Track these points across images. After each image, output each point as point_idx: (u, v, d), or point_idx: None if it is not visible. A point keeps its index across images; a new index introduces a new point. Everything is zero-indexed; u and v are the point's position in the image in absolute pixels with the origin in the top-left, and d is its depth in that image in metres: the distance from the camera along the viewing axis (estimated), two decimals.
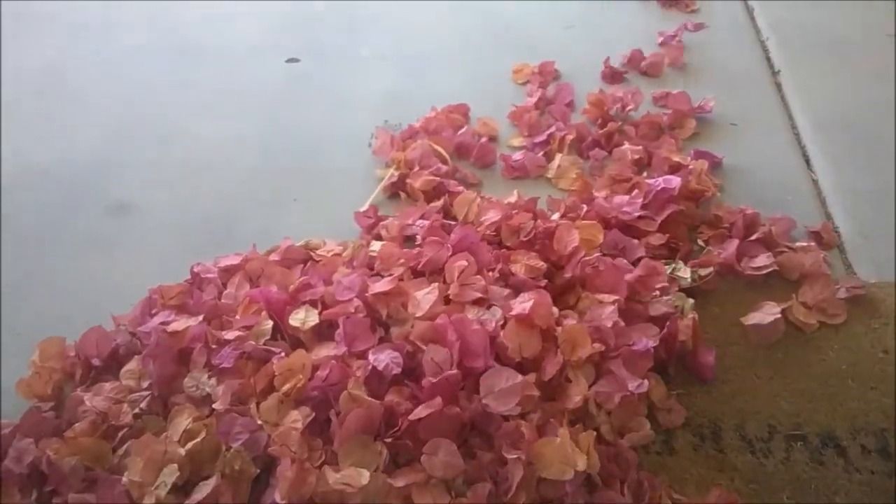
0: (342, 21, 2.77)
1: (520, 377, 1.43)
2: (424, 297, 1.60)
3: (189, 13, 2.83)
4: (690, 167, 2.00)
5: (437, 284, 1.63)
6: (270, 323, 1.60)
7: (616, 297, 1.61)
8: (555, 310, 1.58)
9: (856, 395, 1.56)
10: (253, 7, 2.84)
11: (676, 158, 2.05)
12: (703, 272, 1.76)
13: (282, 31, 2.72)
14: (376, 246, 1.80)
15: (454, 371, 1.43)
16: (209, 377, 1.52)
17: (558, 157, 2.11)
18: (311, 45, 2.65)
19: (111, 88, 2.48)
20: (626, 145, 2.12)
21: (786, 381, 1.59)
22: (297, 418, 1.41)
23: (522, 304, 1.54)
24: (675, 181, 1.89)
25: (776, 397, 1.56)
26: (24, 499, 1.38)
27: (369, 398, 1.41)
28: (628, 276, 1.66)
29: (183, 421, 1.44)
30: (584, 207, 1.89)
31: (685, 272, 1.75)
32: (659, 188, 1.88)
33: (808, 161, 2.15)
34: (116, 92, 2.47)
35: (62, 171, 2.16)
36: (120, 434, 1.46)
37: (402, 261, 1.72)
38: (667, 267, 1.75)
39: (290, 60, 2.58)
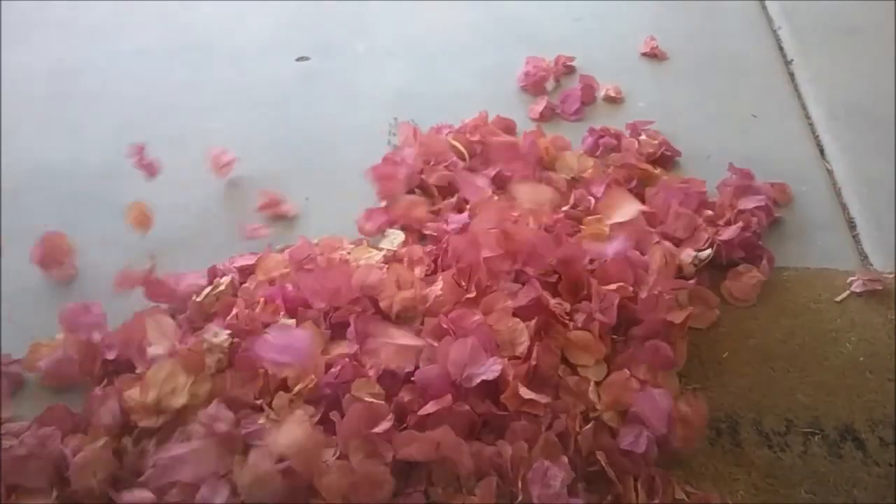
0: (352, 19, 2.76)
1: None
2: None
3: (199, 13, 2.83)
4: None
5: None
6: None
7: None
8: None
9: (873, 387, 1.55)
10: (262, 6, 2.83)
11: None
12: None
13: (292, 30, 2.72)
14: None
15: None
16: None
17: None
18: (321, 43, 2.64)
19: (123, 89, 2.49)
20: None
21: (802, 374, 1.58)
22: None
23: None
24: None
25: (793, 391, 1.55)
26: (44, 499, 1.39)
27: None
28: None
29: None
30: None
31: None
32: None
33: (822, 151, 2.13)
34: (128, 93, 2.48)
35: (75, 173, 2.17)
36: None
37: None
38: None
39: (300, 59, 2.58)
